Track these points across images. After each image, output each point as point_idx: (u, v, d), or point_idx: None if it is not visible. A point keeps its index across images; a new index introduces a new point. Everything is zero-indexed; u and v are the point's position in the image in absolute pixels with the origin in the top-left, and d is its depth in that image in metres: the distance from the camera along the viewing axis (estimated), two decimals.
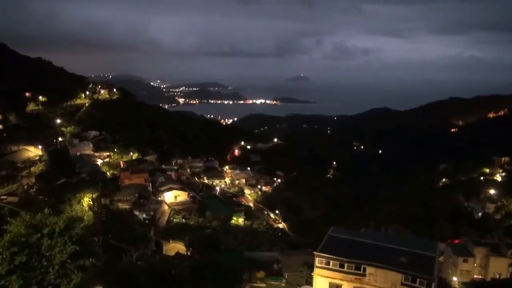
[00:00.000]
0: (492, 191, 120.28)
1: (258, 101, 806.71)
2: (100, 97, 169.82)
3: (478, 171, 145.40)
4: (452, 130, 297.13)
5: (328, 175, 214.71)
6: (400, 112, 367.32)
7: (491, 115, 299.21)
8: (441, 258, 61.25)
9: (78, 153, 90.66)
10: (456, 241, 73.77)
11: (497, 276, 60.56)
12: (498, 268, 61.32)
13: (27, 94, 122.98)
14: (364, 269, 36.95)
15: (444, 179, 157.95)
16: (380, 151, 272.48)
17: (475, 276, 61.25)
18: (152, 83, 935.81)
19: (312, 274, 39.74)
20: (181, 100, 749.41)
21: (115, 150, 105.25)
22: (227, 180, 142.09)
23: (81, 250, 18.68)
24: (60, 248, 17.69)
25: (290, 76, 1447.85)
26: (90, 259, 19.05)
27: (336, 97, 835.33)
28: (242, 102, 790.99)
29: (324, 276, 38.36)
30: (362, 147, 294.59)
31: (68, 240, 18.35)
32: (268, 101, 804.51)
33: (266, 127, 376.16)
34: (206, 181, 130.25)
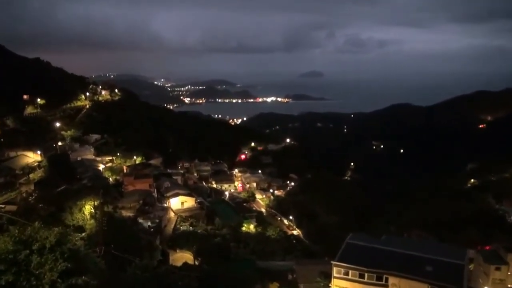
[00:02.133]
0: None
1: (269, 99, 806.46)
2: (101, 98, 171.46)
3: (510, 171, 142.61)
4: (480, 126, 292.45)
5: (346, 177, 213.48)
6: (423, 108, 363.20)
7: None
8: (470, 266, 60.10)
9: (79, 158, 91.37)
10: (487, 248, 72.32)
11: None
12: None
13: (25, 96, 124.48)
14: (386, 280, 36.38)
15: (472, 180, 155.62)
16: (402, 151, 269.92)
17: (509, 286, 59.90)
18: (156, 82, 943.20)
19: (330, 285, 39.31)
20: (186, 100, 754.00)
21: (118, 154, 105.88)
22: (237, 184, 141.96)
23: (73, 267, 18.32)
24: (50, 265, 17.38)
25: (301, 71, 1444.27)
26: (83, 277, 18.65)
27: (352, 93, 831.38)
28: (251, 100, 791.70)
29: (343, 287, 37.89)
30: (381, 146, 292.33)
31: (60, 256, 18.01)
32: (279, 99, 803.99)
33: (277, 127, 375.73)
34: (214, 185, 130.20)
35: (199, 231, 68.61)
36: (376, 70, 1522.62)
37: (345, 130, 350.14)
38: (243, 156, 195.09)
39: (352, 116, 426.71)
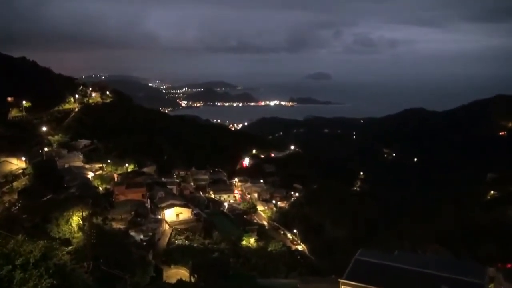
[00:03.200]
0: None
1: (272, 103, 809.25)
2: (91, 100, 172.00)
3: None
4: (500, 133, 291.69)
5: (355, 188, 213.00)
6: (438, 113, 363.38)
7: None
8: (490, 286, 59.53)
9: (66, 165, 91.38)
10: (509, 266, 71.80)
11: None
12: None
13: (9, 98, 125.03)
14: None
15: (492, 191, 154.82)
16: (415, 159, 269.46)
17: None
18: (150, 84, 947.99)
19: None
20: (183, 103, 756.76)
21: (109, 161, 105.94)
22: (237, 194, 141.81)
23: (59, 284, 18.16)
24: (34, 282, 17.21)
25: (307, 73, 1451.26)
26: None
27: (362, 96, 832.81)
28: (253, 104, 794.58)
29: None
30: (393, 154, 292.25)
31: (45, 272, 17.84)
32: (283, 103, 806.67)
33: (281, 133, 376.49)
34: (212, 195, 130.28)
35: (195, 245, 68.43)
36: (388, 72, 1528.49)
37: (355, 136, 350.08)
38: (243, 164, 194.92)
39: (362, 121, 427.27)
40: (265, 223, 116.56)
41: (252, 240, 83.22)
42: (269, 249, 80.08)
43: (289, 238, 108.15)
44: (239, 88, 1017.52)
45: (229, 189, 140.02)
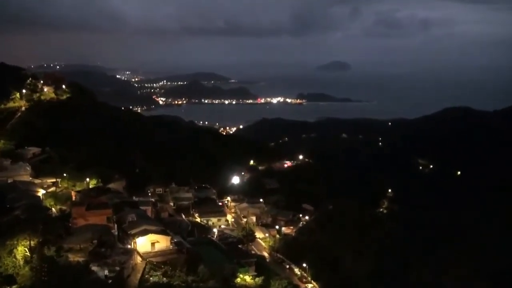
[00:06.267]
0: None
1: (275, 100, 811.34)
2: (43, 97, 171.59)
3: None
4: None
5: (380, 209, 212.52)
6: (488, 114, 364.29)
7: None
8: None
9: (10, 180, 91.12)
10: None
11: None
12: None
13: None
14: None
15: None
16: (459, 173, 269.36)
17: None
18: (118, 76, 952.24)
19: None
20: (161, 100, 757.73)
21: (65, 175, 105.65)
22: (230, 217, 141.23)
23: None
24: None
25: (319, 62, 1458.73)
26: None
27: (388, 92, 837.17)
28: (250, 101, 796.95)
29: None
30: (431, 166, 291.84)
31: None
32: (289, 100, 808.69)
33: (286, 138, 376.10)
34: (198, 219, 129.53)
35: (175, 283, 68.04)
36: (420, 61, 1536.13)
37: (380, 143, 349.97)
38: (238, 179, 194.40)
39: (390, 124, 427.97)
40: (265, 254, 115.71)
41: (248, 277, 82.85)
42: None
43: (296, 274, 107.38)
44: (233, 81, 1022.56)
45: (219, 211, 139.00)
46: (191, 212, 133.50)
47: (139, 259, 74.42)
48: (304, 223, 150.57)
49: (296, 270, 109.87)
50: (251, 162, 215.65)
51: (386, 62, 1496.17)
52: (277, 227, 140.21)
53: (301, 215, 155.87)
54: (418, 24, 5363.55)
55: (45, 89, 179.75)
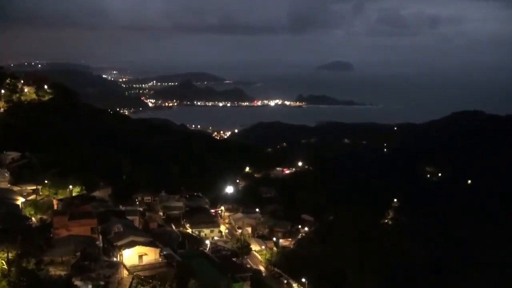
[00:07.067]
0: None
1: (272, 102, 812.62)
2: (23, 98, 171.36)
3: None
4: None
5: (386, 220, 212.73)
6: (501, 118, 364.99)
7: None
8: None
9: None
10: None
11: None
12: None
13: None
14: None
15: None
16: (470, 181, 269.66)
17: None
18: (105, 76, 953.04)
19: None
20: (150, 102, 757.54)
21: (46, 181, 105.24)
22: (223, 228, 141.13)
23: None
24: None
25: (320, 62, 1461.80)
26: None
27: (394, 94, 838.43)
28: (246, 103, 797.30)
29: None
30: (439, 174, 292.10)
31: None
32: (287, 102, 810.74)
33: (284, 143, 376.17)
34: (189, 230, 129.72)
35: None
36: (428, 61, 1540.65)
37: (385, 149, 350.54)
38: (232, 187, 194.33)
39: (395, 128, 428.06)
40: (261, 268, 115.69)
41: None
42: None
43: None
44: (227, 82, 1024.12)
45: (212, 221, 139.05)
46: (182, 223, 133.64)
47: (125, 272, 74.13)
48: (303, 234, 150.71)
49: (295, 286, 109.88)
50: (247, 169, 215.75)
51: (391, 62, 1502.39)
52: (274, 239, 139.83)
53: (300, 226, 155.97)
54: (425, 21, 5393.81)
55: (26, 90, 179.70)
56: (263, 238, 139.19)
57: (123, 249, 77.52)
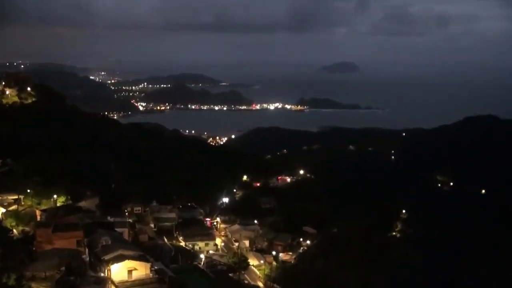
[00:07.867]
0: None
1: (272, 106, 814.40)
2: (4, 100, 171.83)
3: None
4: None
5: (394, 233, 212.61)
6: None
7: None
8: None
9: None
10: None
11: None
12: None
13: None
14: None
15: None
16: (484, 191, 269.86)
17: None
18: (92, 77, 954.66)
19: None
20: (141, 105, 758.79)
21: (28, 190, 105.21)
22: (219, 241, 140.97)
23: None
24: None
25: (322, 63, 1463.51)
26: None
27: (403, 97, 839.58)
28: (244, 107, 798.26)
29: None
30: (451, 183, 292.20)
31: None
32: (288, 106, 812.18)
33: (285, 150, 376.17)
34: (182, 243, 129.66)
35: None
36: (438, 62, 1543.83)
37: (393, 156, 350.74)
38: (229, 197, 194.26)
39: (404, 134, 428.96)
40: (260, 284, 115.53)
41: None
42: None
43: None
44: (224, 84, 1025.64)
45: (207, 234, 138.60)
46: (175, 235, 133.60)
47: None
48: (305, 248, 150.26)
49: None
50: (245, 177, 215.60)
51: (398, 63, 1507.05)
52: (273, 253, 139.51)
53: (301, 239, 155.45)
54: (434, 20, 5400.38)
55: (7, 92, 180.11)
56: (261, 252, 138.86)
57: (111, 264, 77.51)
